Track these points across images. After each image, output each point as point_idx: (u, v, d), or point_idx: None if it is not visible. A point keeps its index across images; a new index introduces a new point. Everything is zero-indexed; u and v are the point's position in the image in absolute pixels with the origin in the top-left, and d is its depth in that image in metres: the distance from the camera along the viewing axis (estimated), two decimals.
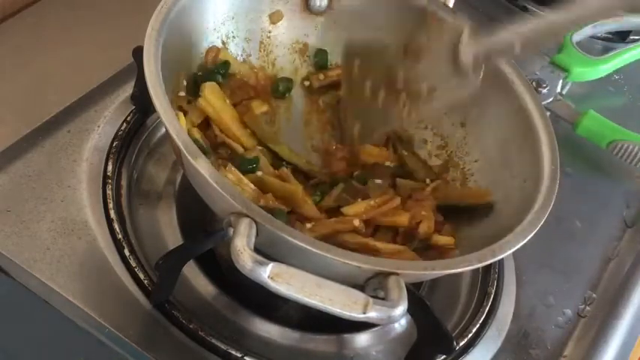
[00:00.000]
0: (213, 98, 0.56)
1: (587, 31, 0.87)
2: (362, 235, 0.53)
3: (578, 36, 0.85)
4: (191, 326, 0.51)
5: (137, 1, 0.65)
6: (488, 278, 0.62)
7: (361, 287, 0.44)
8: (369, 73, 0.59)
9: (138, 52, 0.52)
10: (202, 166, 0.44)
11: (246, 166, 0.54)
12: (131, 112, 0.62)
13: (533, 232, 0.48)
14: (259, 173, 0.54)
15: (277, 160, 0.58)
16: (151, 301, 0.52)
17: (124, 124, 0.61)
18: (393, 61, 0.58)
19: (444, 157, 0.62)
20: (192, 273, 0.55)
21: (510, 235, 0.48)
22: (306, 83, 0.64)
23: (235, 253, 0.41)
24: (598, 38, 0.93)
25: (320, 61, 0.65)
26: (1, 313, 0.53)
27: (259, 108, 0.60)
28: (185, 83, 0.56)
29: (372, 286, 0.44)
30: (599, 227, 0.73)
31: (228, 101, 0.58)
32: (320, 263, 0.43)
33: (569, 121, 0.77)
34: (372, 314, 0.41)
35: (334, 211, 0.55)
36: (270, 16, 0.62)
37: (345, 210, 0.55)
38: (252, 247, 0.41)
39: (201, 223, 0.59)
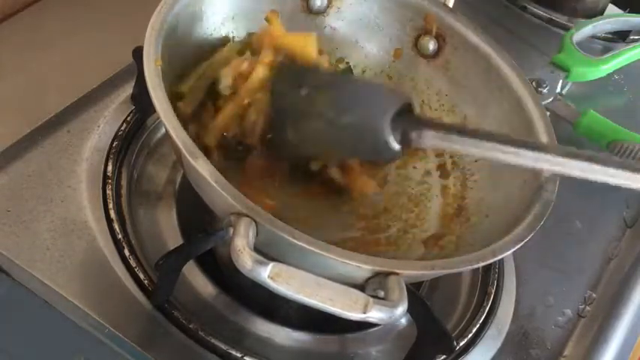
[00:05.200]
0: None
1: (587, 31, 0.87)
2: None
3: (578, 36, 0.85)
4: (191, 326, 0.51)
5: (137, 1, 0.65)
6: (488, 278, 0.62)
7: (361, 287, 0.43)
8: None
9: (138, 52, 0.52)
10: (202, 166, 0.44)
11: None
12: (131, 112, 0.62)
13: (533, 232, 0.48)
14: None
15: None
16: (151, 301, 0.52)
17: (124, 124, 0.61)
18: None
19: (444, 158, 0.62)
20: (192, 273, 0.55)
21: (510, 235, 0.48)
22: None
23: (235, 253, 0.41)
24: (598, 38, 0.93)
25: None
26: (1, 313, 0.53)
27: None
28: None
29: (372, 285, 0.44)
30: (599, 227, 0.73)
31: None
32: (320, 263, 0.43)
33: (569, 121, 0.77)
34: (372, 314, 0.41)
35: None
36: (267, 16, 0.62)
37: None
38: (252, 247, 0.41)
39: (201, 223, 0.59)
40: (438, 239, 0.57)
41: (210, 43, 0.59)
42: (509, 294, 0.63)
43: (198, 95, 0.55)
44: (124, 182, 0.59)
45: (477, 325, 0.59)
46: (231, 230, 0.43)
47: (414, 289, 0.48)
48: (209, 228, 0.57)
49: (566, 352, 0.62)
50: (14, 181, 0.56)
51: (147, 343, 0.50)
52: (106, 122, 0.61)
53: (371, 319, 0.41)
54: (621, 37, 0.94)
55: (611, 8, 0.99)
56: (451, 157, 0.62)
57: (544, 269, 0.66)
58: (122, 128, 0.61)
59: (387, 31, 0.65)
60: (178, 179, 0.62)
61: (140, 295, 0.52)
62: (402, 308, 0.42)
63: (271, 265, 0.41)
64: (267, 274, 0.40)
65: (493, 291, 0.62)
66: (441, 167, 0.62)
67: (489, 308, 0.61)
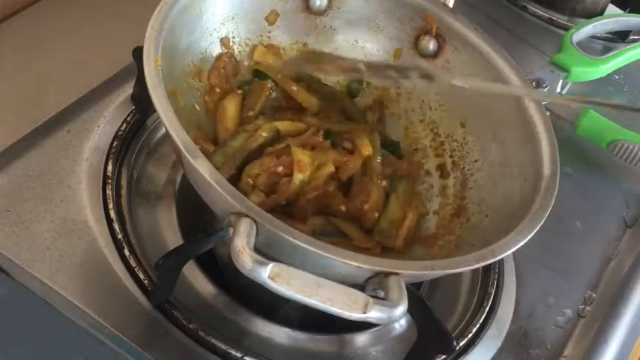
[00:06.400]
0: None
1: (587, 31, 0.87)
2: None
3: (578, 36, 0.85)
4: (191, 326, 0.51)
5: (137, 1, 0.65)
6: (488, 278, 0.62)
7: (361, 287, 0.43)
8: None
9: (138, 52, 0.52)
10: (202, 166, 0.44)
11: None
12: (131, 112, 0.62)
13: (533, 232, 0.48)
14: None
15: None
16: (151, 301, 0.52)
17: (124, 124, 0.61)
18: None
19: (444, 158, 0.62)
20: (192, 273, 0.55)
21: (510, 235, 0.48)
22: None
23: (235, 253, 0.41)
24: (598, 38, 0.93)
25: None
26: (1, 313, 0.53)
27: None
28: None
29: (372, 285, 0.44)
30: (599, 227, 0.73)
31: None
32: (320, 263, 0.43)
33: (569, 121, 0.77)
34: (372, 314, 0.41)
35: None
36: (267, 16, 0.63)
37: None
38: (252, 247, 0.41)
39: (201, 223, 0.59)
40: (438, 239, 0.57)
41: (210, 42, 0.59)
42: (509, 294, 0.63)
43: (232, 165, 0.55)
44: (124, 182, 0.59)
45: (477, 325, 0.59)
46: (231, 230, 0.43)
47: (414, 289, 0.47)
48: (209, 228, 0.57)
49: (566, 352, 0.62)
50: (14, 181, 0.56)
51: (147, 343, 0.50)
52: (106, 122, 0.61)
53: (371, 319, 0.41)
54: (621, 37, 0.94)
55: (611, 8, 0.99)
56: (451, 156, 0.62)
57: (544, 269, 0.66)
58: (122, 128, 0.61)
59: (387, 31, 0.65)
60: (178, 179, 0.62)
61: (140, 295, 0.52)
62: (402, 308, 0.42)
63: (271, 265, 0.41)
64: (267, 274, 0.40)
65: (493, 291, 0.62)
66: (441, 167, 0.62)
67: (489, 308, 0.61)
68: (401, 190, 0.59)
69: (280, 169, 0.55)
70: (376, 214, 0.57)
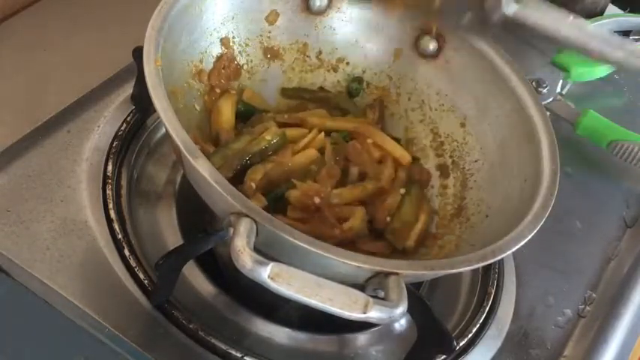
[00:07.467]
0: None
1: None
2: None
3: None
4: (191, 326, 0.51)
5: (137, 1, 0.65)
6: (488, 278, 0.62)
7: (361, 287, 0.44)
8: None
9: (138, 52, 0.52)
10: (202, 166, 0.44)
11: None
12: (131, 112, 0.62)
13: (533, 232, 0.48)
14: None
15: None
16: (151, 301, 0.52)
17: (124, 124, 0.61)
18: None
19: (444, 158, 0.62)
20: (193, 273, 0.55)
21: (510, 235, 0.48)
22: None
23: (235, 253, 0.41)
24: None
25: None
26: (1, 313, 0.53)
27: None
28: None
29: (372, 285, 0.44)
30: (599, 227, 0.73)
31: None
32: (320, 263, 0.43)
33: (569, 121, 0.77)
34: (372, 314, 0.41)
35: None
36: (267, 16, 0.63)
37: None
38: (252, 247, 0.41)
39: (201, 223, 0.59)
40: (438, 239, 0.57)
41: (210, 42, 0.59)
42: (509, 294, 0.63)
43: (230, 168, 0.55)
44: (124, 182, 0.59)
45: (477, 325, 0.59)
46: (231, 230, 0.43)
47: (414, 289, 0.48)
48: (209, 228, 0.57)
49: (566, 352, 0.62)
50: (14, 181, 0.56)
51: (147, 343, 0.50)
52: (106, 122, 0.61)
53: (371, 319, 0.41)
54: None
55: (611, 8, 0.99)
56: (451, 156, 0.62)
57: (544, 269, 0.66)
58: (122, 128, 0.61)
59: (387, 31, 0.65)
60: (178, 179, 0.62)
61: (140, 295, 0.52)
62: (402, 308, 0.42)
63: (271, 265, 0.41)
64: (267, 274, 0.41)
65: (493, 291, 0.62)
66: (441, 167, 0.62)
67: (489, 308, 0.61)
68: (414, 194, 0.59)
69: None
70: (388, 218, 0.57)
